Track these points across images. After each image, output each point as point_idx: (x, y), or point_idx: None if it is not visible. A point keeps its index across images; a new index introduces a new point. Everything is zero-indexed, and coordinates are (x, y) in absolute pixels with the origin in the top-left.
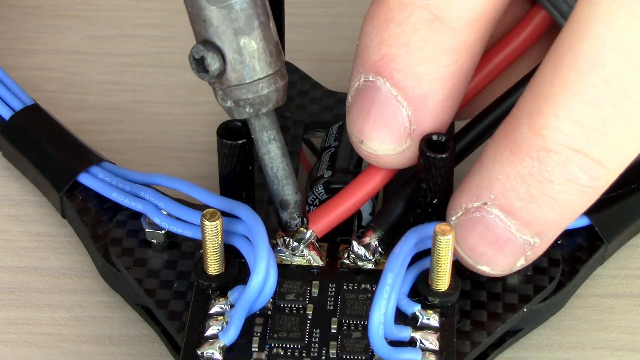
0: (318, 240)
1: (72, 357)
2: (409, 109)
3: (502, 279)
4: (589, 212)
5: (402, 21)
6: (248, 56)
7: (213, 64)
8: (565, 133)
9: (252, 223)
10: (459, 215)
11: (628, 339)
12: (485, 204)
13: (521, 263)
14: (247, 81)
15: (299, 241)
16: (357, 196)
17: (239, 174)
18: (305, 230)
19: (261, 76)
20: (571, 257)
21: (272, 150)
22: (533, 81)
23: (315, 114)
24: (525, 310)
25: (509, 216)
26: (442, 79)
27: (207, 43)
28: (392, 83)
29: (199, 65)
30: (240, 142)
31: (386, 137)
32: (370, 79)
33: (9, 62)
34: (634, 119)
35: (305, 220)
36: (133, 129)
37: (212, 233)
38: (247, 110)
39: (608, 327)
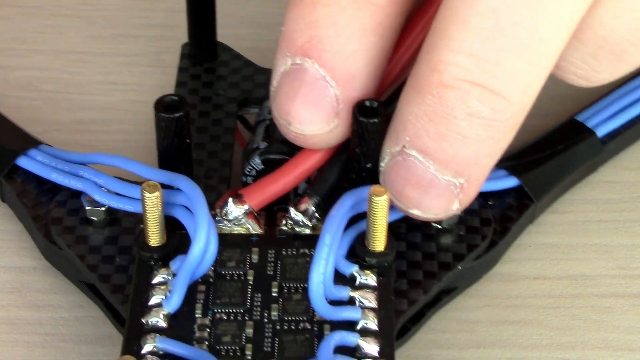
0: None
1: (72, 357)
2: (337, 88)
3: (435, 240)
4: (518, 173)
5: (329, 2)
6: None
7: None
8: (460, 66)
9: (191, 192)
10: (386, 160)
11: (628, 339)
12: (404, 146)
13: (456, 207)
14: None
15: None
16: (295, 173)
17: (177, 147)
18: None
19: None
20: (502, 217)
21: None
22: (434, 20)
23: (248, 90)
24: (459, 268)
25: (426, 157)
26: (369, 57)
27: None
28: (321, 63)
29: None
30: (177, 115)
31: (314, 117)
32: (298, 62)
33: (9, 62)
34: (527, 46)
35: None
36: (133, 129)
37: (153, 204)
38: None
39: (608, 327)
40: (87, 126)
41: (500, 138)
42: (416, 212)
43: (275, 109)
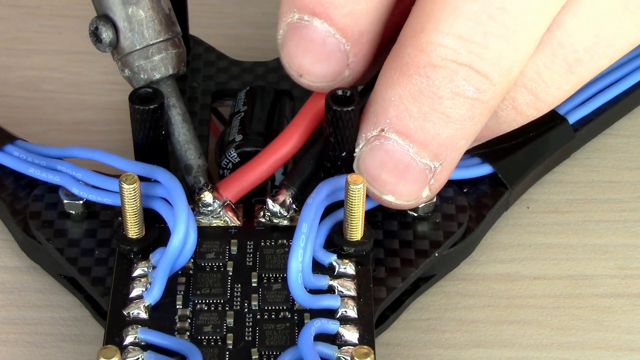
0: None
1: (72, 357)
2: (347, 44)
3: (412, 227)
4: (491, 160)
5: None
6: (137, 24)
7: (105, 31)
8: (449, 47)
9: (170, 184)
10: (361, 146)
11: (628, 339)
12: (383, 130)
13: (426, 194)
14: (138, 47)
15: (205, 205)
16: (269, 162)
17: (153, 138)
18: (210, 194)
19: (150, 42)
20: (477, 204)
21: (173, 116)
22: (417, 3)
23: (222, 82)
24: (436, 255)
25: (406, 139)
26: (375, 16)
27: (102, 16)
28: (331, 22)
29: (95, 36)
30: (152, 107)
31: (327, 71)
32: (306, 19)
33: (9, 62)
34: (513, 32)
35: (210, 184)
36: None
37: (131, 196)
38: (142, 76)
39: (608, 327)
40: (87, 126)
41: (479, 119)
42: (390, 199)
43: (286, 59)
